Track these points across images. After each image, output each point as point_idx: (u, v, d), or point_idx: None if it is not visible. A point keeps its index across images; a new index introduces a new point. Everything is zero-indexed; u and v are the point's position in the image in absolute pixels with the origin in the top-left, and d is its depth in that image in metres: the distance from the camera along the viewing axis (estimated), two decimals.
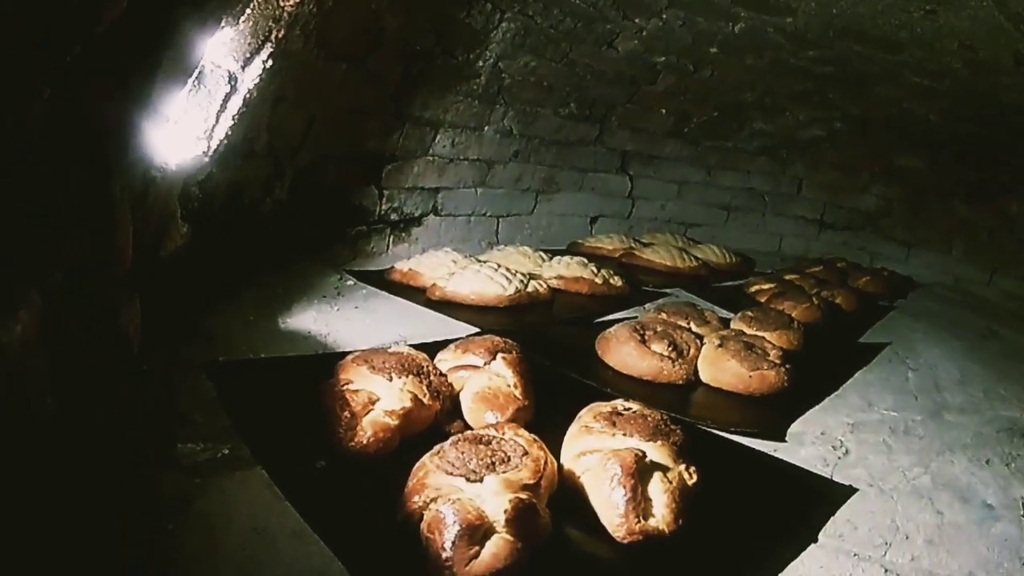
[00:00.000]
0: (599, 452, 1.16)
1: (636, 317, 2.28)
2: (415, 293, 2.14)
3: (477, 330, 1.90)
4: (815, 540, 1.23)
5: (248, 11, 1.39)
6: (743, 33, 2.76)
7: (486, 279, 2.11)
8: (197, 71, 1.29)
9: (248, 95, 1.53)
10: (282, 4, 1.48)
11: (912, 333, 2.92)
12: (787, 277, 3.09)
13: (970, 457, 1.78)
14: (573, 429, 1.24)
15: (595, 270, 2.50)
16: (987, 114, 3.16)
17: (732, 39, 2.82)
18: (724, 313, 2.45)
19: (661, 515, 1.09)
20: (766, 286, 2.83)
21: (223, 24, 1.32)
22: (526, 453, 1.06)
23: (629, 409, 1.28)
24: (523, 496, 0.98)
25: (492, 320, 2.02)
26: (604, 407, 1.28)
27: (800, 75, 3.15)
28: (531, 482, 1.01)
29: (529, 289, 2.19)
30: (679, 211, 3.88)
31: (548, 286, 2.33)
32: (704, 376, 1.81)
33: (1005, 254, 3.83)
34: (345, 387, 1.21)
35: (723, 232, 3.91)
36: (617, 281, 2.52)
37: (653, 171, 3.66)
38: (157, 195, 1.40)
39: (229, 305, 1.81)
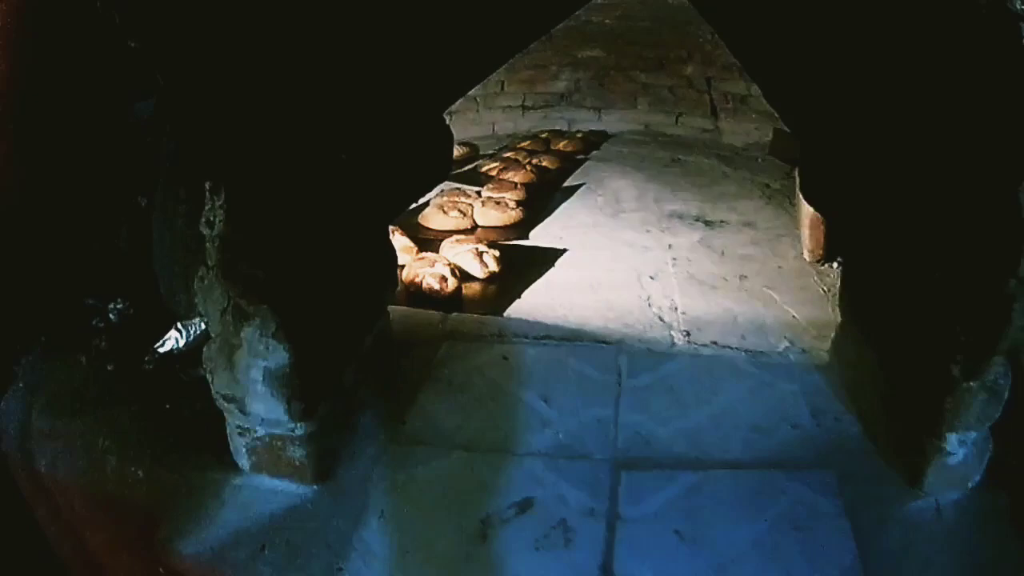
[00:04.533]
0: (461, 252, 3.47)
1: (429, 202, 4.33)
2: None
3: None
4: (552, 266, 3.57)
5: None
6: None
7: None
8: None
9: None
10: None
11: (602, 173, 5.16)
12: (506, 155, 5.33)
13: (636, 229, 4.15)
14: (446, 244, 3.58)
15: None
16: (657, 14, 5.58)
17: None
18: (474, 189, 4.59)
19: (492, 266, 3.42)
20: (493, 164, 5.05)
21: None
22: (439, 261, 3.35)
23: (462, 242, 3.59)
24: (444, 273, 3.25)
25: None
26: (452, 240, 3.63)
27: None
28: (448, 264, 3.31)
29: None
30: None
31: None
32: (480, 222, 4.11)
33: (687, 102, 6.24)
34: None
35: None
36: None
37: None
38: None
39: None
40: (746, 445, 2.43)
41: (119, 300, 2.58)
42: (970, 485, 2.37)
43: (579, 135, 6.07)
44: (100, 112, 2.64)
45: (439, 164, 2.69)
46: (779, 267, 3.72)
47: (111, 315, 2.56)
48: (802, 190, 2.80)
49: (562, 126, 6.40)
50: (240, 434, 2.07)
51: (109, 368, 2.43)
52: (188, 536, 1.98)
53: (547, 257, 3.72)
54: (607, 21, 5.87)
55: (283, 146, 1.88)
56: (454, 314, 3.10)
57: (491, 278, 3.47)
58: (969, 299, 2.14)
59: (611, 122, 6.41)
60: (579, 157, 5.59)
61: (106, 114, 2.67)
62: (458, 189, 4.52)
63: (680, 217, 4.38)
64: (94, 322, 2.55)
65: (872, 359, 2.56)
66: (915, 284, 2.32)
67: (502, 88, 6.36)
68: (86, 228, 2.65)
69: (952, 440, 2.27)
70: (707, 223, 4.31)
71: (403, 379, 2.51)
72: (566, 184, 4.97)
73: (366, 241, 2.47)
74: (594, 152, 5.74)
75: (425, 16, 2.12)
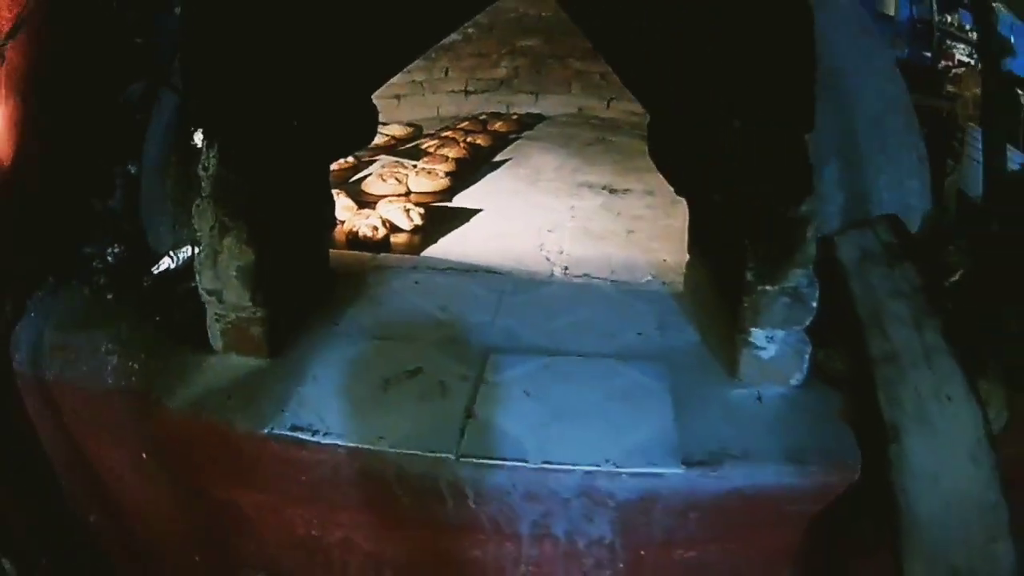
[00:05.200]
0: (392, 208, 4.30)
1: (370, 175, 5.17)
2: None
3: None
4: (468, 222, 4.40)
5: None
6: None
7: None
8: None
9: None
10: None
11: (530, 150, 5.98)
12: (445, 134, 6.09)
13: (548, 194, 4.94)
14: (381, 204, 4.41)
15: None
16: None
17: None
18: (412, 162, 5.32)
19: (416, 219, 4.27)
20: (432, 142, 5.84)
21: None
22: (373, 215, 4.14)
23: (394, 202, 4.41)
24: (376, 223, 4.10)
25: None
26: (387, 200, 4.47)
27: None
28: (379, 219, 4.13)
29: None
30: None
31: None
32: (413, 188, 4.90)
33: (618, 87, 6.72)
34: None
35: (398, 112, 6.74)
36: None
37: None
38: None
39: None
40: (595, 344, 2.99)
41: (115, 246, 3.22)
42: (793, 383, 2.77)
43: (515, 117, 6.90)
44: (99, 92, 3.34)
45: (366, 131, 3.50)
46: (666, 225, 4.36)
47: (109, 258, 3.19)
48: (649, 152, 3.40)
49: (501, 109, 7.19)
50: (217, 320, 2.77)
51: (109, 296, 3.06)
52: (173, 394, 2.65)
53: (465, 215, 4.51)
54: (544, 13, 6.68)
55: (255, 115, 2.68)
56: (382, 254, 3.81)
57: (416, 230, 4.27)
58: (765, 220, 2.60)
59: (547, 106, 7.25)
60: (512, 136, 6.42)
61: (104, 94, 3.37)
62: (398, 162, 5.29)
63: (590, 186, 5.12)
64: (95, 264, 3.17)
65: (708, 282, 3.09)
66: (730, 215, 2.81)
67: (446, 74, 7.14)
68: (87, 190, 3.34)
69: (759, 335, 2.71)
70: (612, 191, 5.02)
71: (337, 297, 3.21)
72: (495, 159, 5.79)
73: (309, 185, 3.24)
74: (527, 132, 6.59)
75: (354, 22, 2.91)
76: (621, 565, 2.67)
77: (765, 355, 2.74)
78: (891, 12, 11.02)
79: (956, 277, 3.29)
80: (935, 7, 10.03)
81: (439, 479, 2.48)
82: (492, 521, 2.57)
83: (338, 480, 2.58)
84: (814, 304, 2.67)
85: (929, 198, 3.63)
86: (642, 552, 2.65)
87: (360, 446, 2.50)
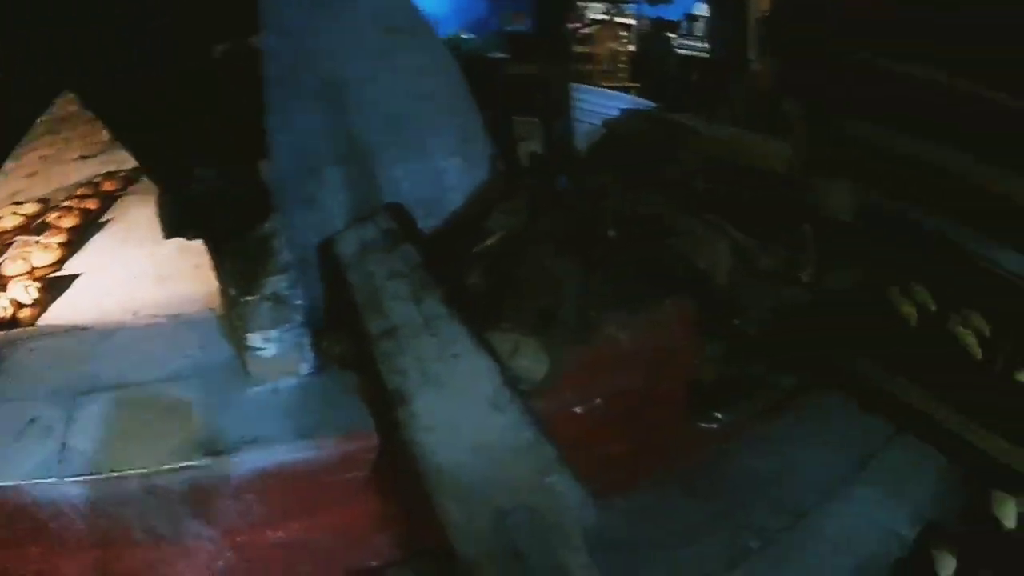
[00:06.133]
0: (17, 288, 5.57)
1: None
2: None
3: None
4: (70, 286, 5.54)
5: None
6: None
7: None
8: None
9: None
10: None
11: (128, 206, 6.81)
12: (64, 204, 6.64)
13: (136, 246, 5.90)
14: (11, 284, 5.36)
15: None
16: None
17: None
18: (35, 238, 5.91)
19: (34, 294, 5.39)
20: (55, 214, 6.39)
21: None
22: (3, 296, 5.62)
23: (19, 280, 5.75)
24: (5, 304, 5.52)
25: None
26: (14, 280, 5.53)
27: None
28: None
29: None
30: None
31: None
32: (35, 263, 5.65)
33: None
34: None
35: (33, 189, 7.14)
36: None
37: None
38: None
39: None
40: (153, 372, 3.63)
41: None
42: (304, 372, 3.28)
43: (122, 174, 7.45)
44: None
45: None
46: None
47: None
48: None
49: (115, 168, 7.60)
50: None
51: None
52: None
53: (69, 281, 5.48)
54: None
55: None
56: (13, 330, 4.59)
57: (35, 303, 5.14)
58: (231, 243, 3.15)
59: None
60: (118, 194, 7.13)
61: None
62: (26, 240, 6.00)
63: None
64: None
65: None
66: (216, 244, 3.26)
67: (68, 144, 7.56)
68: None
69: (255, 339, 3.20)
70: None
71: None
72: (101, 220, 6.61)
73: None
74: (133, 186, 7.25)
75: None
76: (229, 553, 3.19)
77: (267, 354, 3.29)
78: None
79: (493, 240, 3.67)
80: None
81: (55, 502, 3.01)
82: (111, 531, 3.08)
83: (7, 519, 3.04)
84: (299, 303, 3.21)
85: (485, 170, 4.14)
86: (238, 539, 3.18)
87: (6, 484, 3.03)
